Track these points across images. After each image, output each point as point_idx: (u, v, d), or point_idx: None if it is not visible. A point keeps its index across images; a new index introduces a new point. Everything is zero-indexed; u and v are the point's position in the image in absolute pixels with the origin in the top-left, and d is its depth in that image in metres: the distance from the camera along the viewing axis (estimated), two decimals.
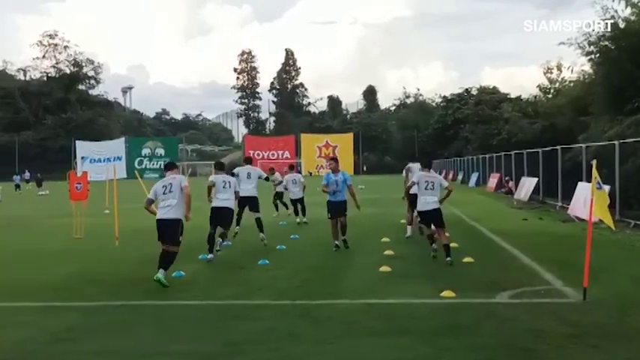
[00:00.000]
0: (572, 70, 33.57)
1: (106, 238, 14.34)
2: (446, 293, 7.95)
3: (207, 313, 7.34)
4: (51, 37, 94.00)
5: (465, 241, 13.10)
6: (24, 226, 19.16)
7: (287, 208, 19.11)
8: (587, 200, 9.97)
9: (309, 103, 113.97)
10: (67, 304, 8.02)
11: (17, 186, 48.09)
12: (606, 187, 14.96)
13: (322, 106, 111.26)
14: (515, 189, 27.72)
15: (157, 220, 9.23)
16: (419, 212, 11.18)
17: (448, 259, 10.32)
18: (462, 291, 8.11)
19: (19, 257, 12.34)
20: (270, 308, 7.58)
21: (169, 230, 9.12)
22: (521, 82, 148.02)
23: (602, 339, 5.97)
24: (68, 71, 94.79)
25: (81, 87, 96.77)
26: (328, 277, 9.44)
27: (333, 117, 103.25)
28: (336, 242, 12.23)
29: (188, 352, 5.77)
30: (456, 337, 6.11)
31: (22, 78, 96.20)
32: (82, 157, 77.88)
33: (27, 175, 58.78)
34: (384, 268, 9.84)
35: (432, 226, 11.04)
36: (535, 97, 48.88)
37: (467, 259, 10.58)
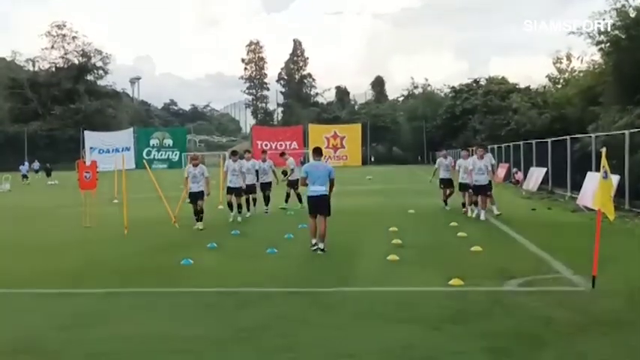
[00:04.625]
0: (581, 60, 33.41)
1: (115, 227, 14.43)
2: (454, 281, 7.95)
3: (217, 300, 7.37)
4: (59, 27, 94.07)
5: (473, 230, 13.10)
6: (34, 216, 19.29)
7: (300, 201, 18.12)
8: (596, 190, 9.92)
9: (317, 94, 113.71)
10: (77, 290, 8.10)
11: (24, 176, 48.32)
12: (615, 177, 14.97)
13: (330, 96, 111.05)
14: (524, 180, 27.63)
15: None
16: None
17: None
18: (470, 279, 8.11)
19: (29, 245, 12.44)
20: (280, 295, 7.62)
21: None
22: (531, 72, 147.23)
23: (611, 327, 5.97)
24: (77, 62, 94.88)
25: (89, 77, 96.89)
26: (337, 266, 9.46)
27: (341, 107, 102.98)
28: (314, 240, 10.83)
29: (199, 338, 5.82)
30: (464, 324, 6.12)
31: (31, 68, 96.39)
32: (91, 148, 78.08)
33: (36, 165, 59.02)
34: (392, 257, 9.85)
35: None
36: (544, 87, 48.63)
37: (475, 248, 10.58)
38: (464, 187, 16.44)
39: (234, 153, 16.90)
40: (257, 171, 17.38)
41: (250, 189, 16.83)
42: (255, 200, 17.22)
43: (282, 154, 20.38)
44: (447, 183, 18.17)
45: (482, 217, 15.27)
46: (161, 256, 10.74)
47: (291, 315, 6.59)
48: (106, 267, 9.75)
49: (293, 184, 18.61)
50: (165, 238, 13.03)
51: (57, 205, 23.01)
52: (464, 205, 16.78)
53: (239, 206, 16.06)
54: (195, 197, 14.40)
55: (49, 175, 49.17)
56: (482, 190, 15.56)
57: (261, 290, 7.93)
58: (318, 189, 10.68)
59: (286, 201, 18.73)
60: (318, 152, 11.32)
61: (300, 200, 18.36)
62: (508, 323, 6.14)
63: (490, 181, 15.88)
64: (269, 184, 18.11)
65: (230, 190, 16.04)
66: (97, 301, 7.54)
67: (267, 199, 17.95)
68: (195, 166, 14.61)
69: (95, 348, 5.57)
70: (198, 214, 14.37)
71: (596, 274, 7.55)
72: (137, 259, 10.40)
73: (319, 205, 10.71)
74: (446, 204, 18.17)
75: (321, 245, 10.61)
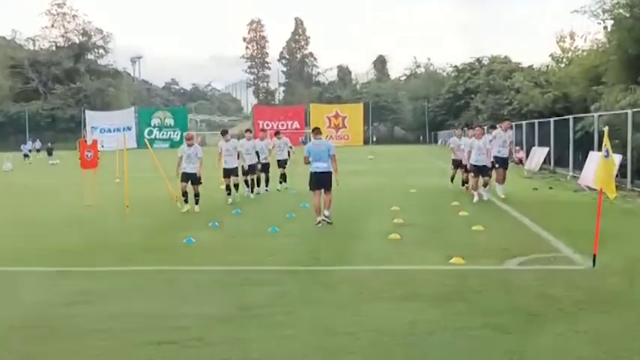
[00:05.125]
0: (585, 39, 33.07)
1: (117, 206, 14.47)
2: (455, 260, 7.99)
3: (219, 278, 7.41)
4: (59, 6, 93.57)
5: (475, 210, 13.13)
6: (36, 195, 19.33)
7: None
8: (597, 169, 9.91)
9: (319, 73, 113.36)
10: (81, 269, 8.13)
11: (26, 155, 48.35)
12: (618, 157, 14.94)
13: (332, 76, 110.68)
14: (526, 159, 27.60)
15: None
16: None
17: None
18: (471, 258, 8.15)
19: (32, 224, 12.48)
20: (282, 274, 7.64)
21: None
22: (534, 51, 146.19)
23: (611, 305, 6.00)
24: (77, 41, 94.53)
25: (90, 57, 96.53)
26: (338, 244, 9.49)
27: (343, 87, 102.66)
28: (319, 218, 11.37)
29: (202, 315, 5.86)
30: (465, 302, 6.16)
31: (32, 47, 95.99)
32: (92, 127, 78.05)
33: (37, 144, 58.96)
34: (394, 236, 9.88)
35: None
36: (547, 66, 48.27)
37: (476, 227, 10.61)
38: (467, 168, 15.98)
39: (224, 132, 16.08)
40: (257, 152, 16.79)
41: (251, 170, 16.45)
42: (252, 181, 16.78)
43: (277, 133, 19.66)
44: (460, 164, 17.33)
45: (485, 197, 14.79)
46: (163, 234, 10.78)
47: (293, 293, 6.63)
48: (108, 245, 9.79)
49: (282, 164, 18.47)
50: (167, 216, 13.07)
51: (59, 184, 23.07)
52: (464, 183, 16.80)
53: (236, 186, 15.50)
54: (188, 178, 13.60)
55: (50, 154, 49.21)
56: (484, 171, 14.86)
57: (263, 268, 7.96)
58: (321, 165, 11.37)
59: (285, 180, 18.53)
60: (317, 131, 11.92)
61: (282, 181, 18.44)
62: (508, 301, 6.17)
63: (506, 159, 15.80)
64: (267, 165, 17.52)
65: (226, 172, 15.27)
66: (100, 279, 7.58)
67: (266, 181, 17.63)
68: (190, 145, 13.74)
69: (98, 324, 5.62)
70: (195, 197, 13.69)
71: (596, 253, 7.58)
72: (139, 238, 10.45)
73: (322, 181, 11.38)
74: (452, 181, 18.00)
75: (326, 213, 11.32)
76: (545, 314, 5.71)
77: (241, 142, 16.28)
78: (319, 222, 11.18)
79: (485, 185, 15.05)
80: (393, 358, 4.66)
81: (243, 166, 16.09)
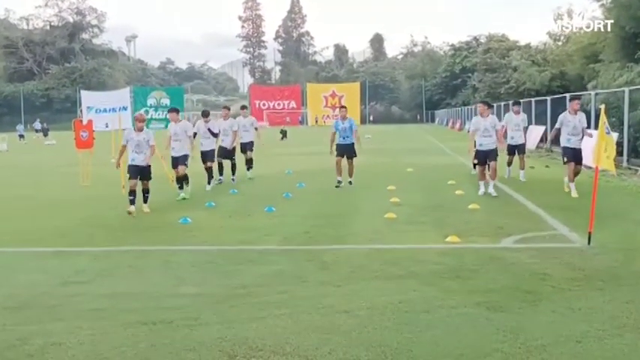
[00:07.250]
0: (582, 17, 32.94)
1: (112, 186, 14.40)
2: (451, 238, 7.99)
3: (215, 258, 7.40)
4: None
5: (470, 188, 13.12)
6: (32, 175, 19.28)
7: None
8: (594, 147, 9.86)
9: (315, 52, 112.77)
10: (76, 249, 8.13)
11: (21, 136, 48.15)
12: (614, 135, 14.92)
13: (328, 54, 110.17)
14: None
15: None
16: None
17: None
18: (467, 236, 8.17)
19: (27, 205, 12.46)
20: (278, 253, 7.65)
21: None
22: (531, 29, 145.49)
23: (606, 282, 6.01)
24: (71, 20, 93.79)
25: (84, 36, 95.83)
26: (334, 224, 9.49)
27: (340, 66, 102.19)
28: (339, 178, 13.85)
29: (197, 294, 5.86)
30: (461, 280, 6.17)
31: (25, 27, 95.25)
32: (88, 107, 77.72)
33: (37, 124, 58.41)
34: (390, 215, 9.89)
35: None
36: (545, 44, 48.09)
37: (472, 206, 10.62)
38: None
39: (205, 114, 14.34)
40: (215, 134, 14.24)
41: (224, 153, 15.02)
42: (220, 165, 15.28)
43: (244, 107, 17.67)
44: None
45: (492, 191, 12.18)
46: (159, 214, 10.76)
47: (289, 272, 6.63)
48: (103, 225, 9.79)
49: (247, 147, 16.01)
50: (163, 197, 13.00)
51: (54, 164, 23.01)
52: (474, 165, 15.98)
53: (210, 170, 13.83)
54: (140, 173, 10.85)
55: (46, 135, 49.05)
56: (490, 156, 12.43)
57: (259, 248, 7.97)
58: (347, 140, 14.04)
59: (251, 167, 16.22)
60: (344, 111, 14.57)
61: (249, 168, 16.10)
62: (504, 279, 6.18)
63: (578, 150, 12.36)
64: (232, 150, 15.26)
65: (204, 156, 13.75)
66: (96, 259, 7.57)
67: (233, 167, 15.35)
68: (140, 130, 11.00)
69: (93, 304, 5.62)
70: (144, 194, 11.13)
71: (592, 231, 7.59)
72: (135, 218, 10.42)
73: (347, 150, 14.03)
74: (475, 167, 15.16)
75: (350, 179, 14.00)
76: (540, 292, 5.72)
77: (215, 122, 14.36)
78: (339, 183, 13.75)
79: (492, 175, 12.61)
80: (388, 336, 4.67)
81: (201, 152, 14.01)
